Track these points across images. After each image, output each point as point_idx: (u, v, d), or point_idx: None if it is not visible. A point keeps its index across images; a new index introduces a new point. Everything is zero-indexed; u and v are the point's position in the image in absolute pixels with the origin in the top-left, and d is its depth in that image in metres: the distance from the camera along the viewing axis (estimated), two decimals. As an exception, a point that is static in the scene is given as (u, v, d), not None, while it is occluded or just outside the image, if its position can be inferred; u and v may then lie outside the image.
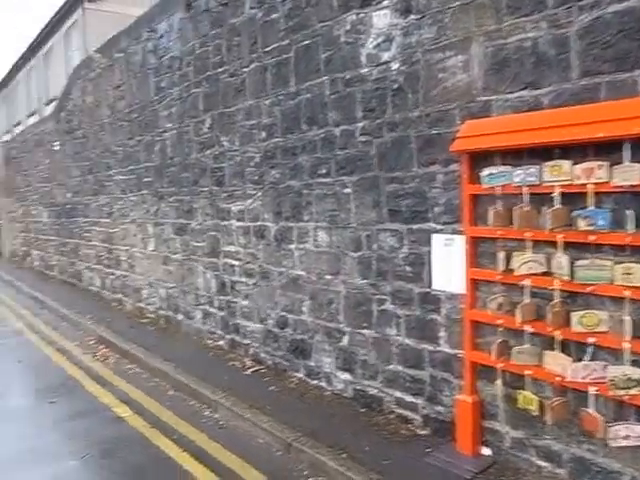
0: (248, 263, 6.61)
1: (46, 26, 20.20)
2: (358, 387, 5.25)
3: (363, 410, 5.15)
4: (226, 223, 6.93)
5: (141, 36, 8.75)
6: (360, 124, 4.99)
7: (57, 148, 13.51)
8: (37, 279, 14.61)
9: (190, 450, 4.85)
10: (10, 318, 10.76)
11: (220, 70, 6.81)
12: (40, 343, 8.77)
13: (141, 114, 8.95)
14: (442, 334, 4.44)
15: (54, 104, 14.29)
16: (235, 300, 6.89)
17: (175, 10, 7.70)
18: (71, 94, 12.35)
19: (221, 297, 7.17)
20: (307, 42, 5.50)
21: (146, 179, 8.93)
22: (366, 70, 4.90)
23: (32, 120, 19.91)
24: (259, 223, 6.36)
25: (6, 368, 7.75)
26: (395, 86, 4.65)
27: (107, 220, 10.69)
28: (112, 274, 10.65)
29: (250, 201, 6.47)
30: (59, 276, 14.11)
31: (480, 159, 3.96)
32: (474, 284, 4.13)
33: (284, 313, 6.10)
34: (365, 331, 5.12)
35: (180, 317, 8.20)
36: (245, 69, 6.37)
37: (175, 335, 8.08)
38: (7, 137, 23.25)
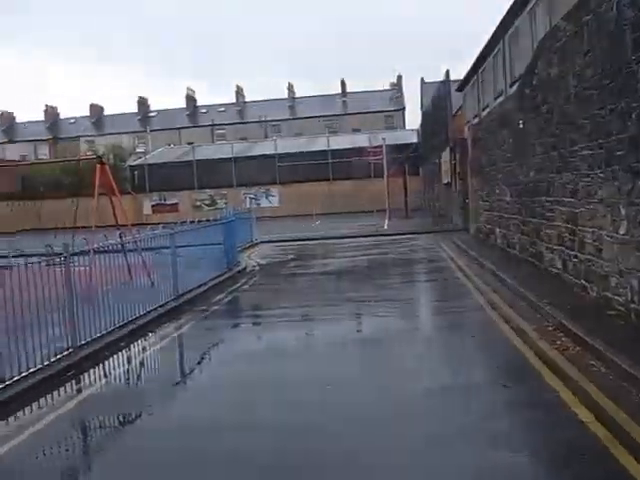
0: None
1: (508, 11, 20.38)
2: None
3: None
4: None
5: (616, -11, 7.68)
6: None
7: (521, 126, 13.46)
8: (498, 256, 15.01)
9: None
10: (473, 293, 11.32)
11: None
12: (497, 320, 8.87)
13: (614, 79, 7.90)
14: None
15: (518, 84, 14.28)
16: None
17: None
18: (535, 69, 12.00)
19: None
20: None
21: (618, 152, 7.87)
22: None
23: (497, 102, 20.54)
24: None
25: (463, 342, 8.09)
26: None
27: (571, 199, 9.99)
28: (575, 257, 9.92)
29: None
30: (519, 255, 14.12)
31: None
32: None
33: None
34: None
35: (655, 314, 6.96)
36: None
37: (648, 334, 6.92)
38: (475, 120, 24.72)
